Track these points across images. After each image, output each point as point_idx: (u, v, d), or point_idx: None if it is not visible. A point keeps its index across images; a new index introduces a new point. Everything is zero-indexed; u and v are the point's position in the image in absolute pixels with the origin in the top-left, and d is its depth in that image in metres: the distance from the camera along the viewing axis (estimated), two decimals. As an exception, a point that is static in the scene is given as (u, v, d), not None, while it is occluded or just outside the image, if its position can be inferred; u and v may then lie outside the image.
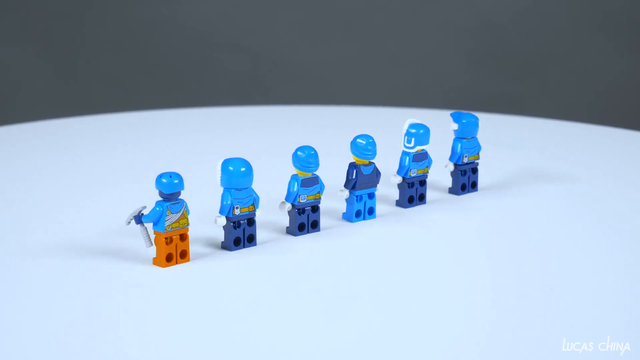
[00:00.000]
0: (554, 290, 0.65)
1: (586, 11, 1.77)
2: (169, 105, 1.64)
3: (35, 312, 0.61)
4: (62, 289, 0.65)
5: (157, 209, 0.67)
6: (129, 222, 0.69)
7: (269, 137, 1.12)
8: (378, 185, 0.79)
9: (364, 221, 0.79)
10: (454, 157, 0.86)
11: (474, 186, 0.88)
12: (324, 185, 0.76)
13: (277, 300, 0.63)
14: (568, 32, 1.78)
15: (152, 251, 0.70)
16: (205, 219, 0.75)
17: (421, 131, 0.82)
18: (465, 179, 0.87)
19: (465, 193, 0.87)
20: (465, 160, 0.86)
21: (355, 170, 0.78)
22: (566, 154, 1.05)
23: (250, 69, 1.81)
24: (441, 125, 0.96)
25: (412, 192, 0.83)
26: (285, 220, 0.77)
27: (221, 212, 0.71)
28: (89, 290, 0.65)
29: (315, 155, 0.74)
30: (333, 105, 1.39)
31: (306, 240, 0.74)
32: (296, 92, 1.81)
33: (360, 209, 0.79)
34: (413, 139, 0.82)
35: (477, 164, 0.88)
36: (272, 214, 0.78)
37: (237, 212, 0.71)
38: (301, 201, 0.74)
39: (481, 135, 0.90)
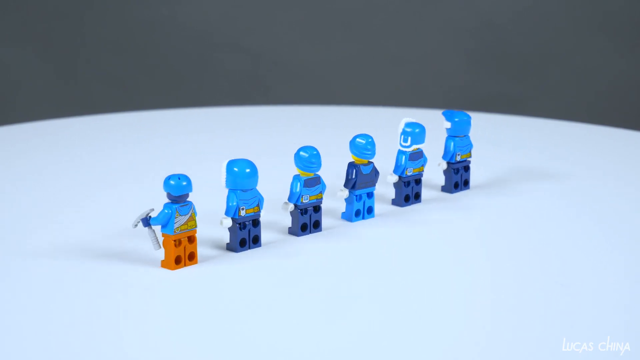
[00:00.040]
0: (566, 287, 0.65)
1: (586, 11, 1.77)
2: (169, 105, 1.64)
3: (35, 312, 0.61)
4: (62, 289, 0.65)
5: (166, 211, 0.67)
6: (136, 225, 0.68)
7: (269, 137, 1.12)
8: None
9: (364, 221, 0.79)
10: (447, 155, 0.87)
11: (466, 184, 0.88)
12: (325, 185, 0.76)
13: (288, 303, 0.63)
14: (568, 32, 1.78)
15: (160, 253, 0.70)
16: (206, 219, 0.75)
17: (417, 130, 0.82)
18: (458, 177, 0.87)
19: (459, 191, 0.88)
20: (458, 158, 0.87)
21: (354, 170, 0.78)
22: (566, 154, 1.05)
23: (250, 69, 1.81)
24: (441, 124, 0.96)
25: (408, 191, 0.83)
26: (285, 220, 0.77)
27: (227, 213, 0.70)
28: (89, 291, 0.65)
29: (318, 155, 0.74)
30: (333, 105, 1.39)
31: (311, 241, 0.74)
32: (296, 92, 1.81)
33: (360, 208, 0.79)
34: (410, 138, 0.82)
35: (469, 162, 0.88)
36: (272, 214, 0.78)
37: (242, 213, 0.71)
38: (304, 201, 0.74)
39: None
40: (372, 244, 0.74)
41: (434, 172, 0.91)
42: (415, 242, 0.75)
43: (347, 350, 0.57)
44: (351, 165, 0.78)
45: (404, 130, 0.82)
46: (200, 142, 1.11)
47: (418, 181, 0.84)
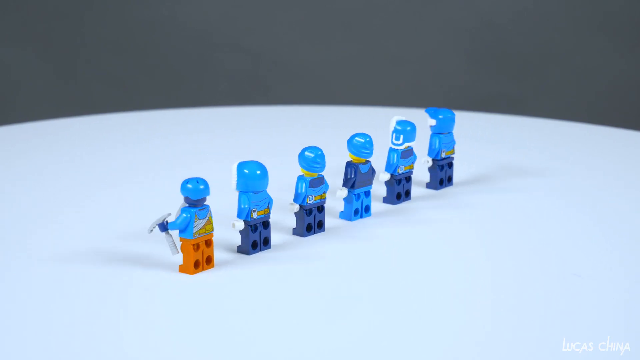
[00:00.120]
0: (582, 277, 0.65)
1: (586, 11, 1.77)
2: (169, 105, 1.64)
3: (35, 312, 0.61)
4: (62, 289, 0.65)
5: (185, 215, 0.66)
6: (152, 230, 0.67)
7: (269, 137, 1.12)
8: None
9: (364, 220, 0.79)
10: (432, 152, 0.87)
11: (449, 180, 0.90)
12: (328, 185, 0.76)
13: (309, 307, 0.63)
14: (568, 32, 1.78)
15: (168, 255, 0.69)
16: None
17: (408, 128, 0.82)
18: (442, 173, 0.88)
19: (443, 187, 0.89)
20: (443, 155, 0.87)
21: (353, 169, 0.78)
22: (566, 154, 1.05)
23: (250, 69, 1.81)
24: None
25: (400, 189, 0.83)
26: (287, 220, 0.77)
27: (239, 215, 0.70)
28: (89, 292, 0.64)
29: (322, 155, 0.74)
30: (333, 105, 1.39)
31: (321, 243, 0.74)
32: (296, 92, 1.81)
33: (358, 207, 0.79)
34: (402, 136, 0.82)
35: (453, 158, 0.89)
36: (274, 213, 0.78)
37: (254, 215, 0.70)
38: (309, 202, 0.74)
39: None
40: (381, 245, 0.74)
41: (417, 169, 0.91)
42: (417, 242, 0.75)
43: (349, 351, 0.57)
44: (349, 165, 0.78)
45: (395, 128, 0.82)
46: (200, 142, 1.11)
47: (408, 179, 0.84)
